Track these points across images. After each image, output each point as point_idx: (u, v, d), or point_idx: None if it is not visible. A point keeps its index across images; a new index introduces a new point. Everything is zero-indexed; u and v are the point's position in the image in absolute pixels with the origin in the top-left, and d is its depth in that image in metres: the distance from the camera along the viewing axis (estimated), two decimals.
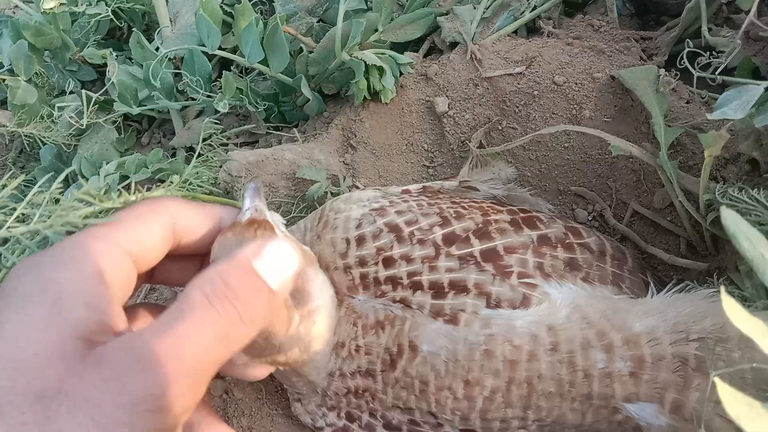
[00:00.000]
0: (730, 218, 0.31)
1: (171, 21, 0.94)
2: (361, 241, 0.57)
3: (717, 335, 0.49)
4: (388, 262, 0.56)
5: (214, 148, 0.82)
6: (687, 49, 0.68)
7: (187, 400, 0.37)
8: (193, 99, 0.87)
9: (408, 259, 0.56)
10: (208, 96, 0.84)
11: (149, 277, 0.51)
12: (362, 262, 0.56)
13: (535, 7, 0.81)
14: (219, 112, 0.90)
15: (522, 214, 0.60)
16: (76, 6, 0.90)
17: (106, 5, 0.91)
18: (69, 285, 0.38)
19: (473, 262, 0.55)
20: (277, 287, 0.43)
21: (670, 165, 0.63)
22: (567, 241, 0.58)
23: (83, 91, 0.90)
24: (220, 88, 0.83)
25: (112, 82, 0.88)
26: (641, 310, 0.52)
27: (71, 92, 0.97)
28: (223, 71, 0.85)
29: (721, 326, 0.49)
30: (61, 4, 0.87)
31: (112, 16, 0.94)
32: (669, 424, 0.50)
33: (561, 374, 0.51)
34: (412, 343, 0.53)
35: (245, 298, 0.40)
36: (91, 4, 0.90)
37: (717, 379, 0.27)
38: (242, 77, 0.89)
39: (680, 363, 0.49)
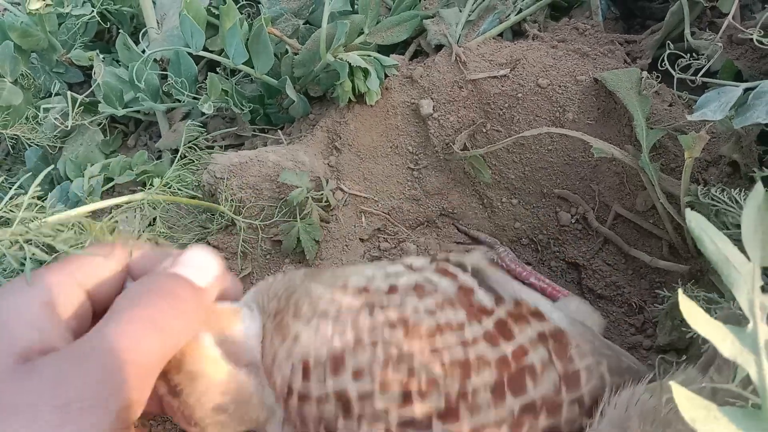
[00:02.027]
0: (695, 220, 0.31)
1: (158, 23, 0.94)
2: (304, 398, 0.46)
3: None
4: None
5: (199, 151, 0.82)
6: (668, 52, 0.68)
7: (128, 393, 0.37)
8: (178, 101, 0.86)
9: None
10: (194, 98, 0.84)
11: None
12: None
13: (520, 10, 0.81)
14: (205, 114, 0.90)
15: (511, 368, 0.47)
16: (63, 7, 0.90)
17: (92, 6, 0.91)
18: (15, 309, 0.39)
19: None
20: (204, 285, 0.44)
21: (651, 167, 0.63)
22: (556, 400, 0.47)
23: (69, 92, 0.89)
24: (206, 89, 0.83)
25: (98, 84, 0.88)
26: None
27: (57, 94, 0.96)
28: (209, 73, 0.85)
29: None
30: (47, 5, 0.87)
31: (98, 18, 0.94)
32: None
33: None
34: None
35: (172, 292, 0.42)
36: (77, 5, 0.90)
37: (673, 383, 0.26)
38: (228, 79, 0.89)
39: None
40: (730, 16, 0.60)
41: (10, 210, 0.49)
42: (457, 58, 0.76)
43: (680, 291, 0.29)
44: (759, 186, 0.31)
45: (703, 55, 0.69)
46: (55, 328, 0.40)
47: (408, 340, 0.47)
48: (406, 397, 0.45)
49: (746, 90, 0.59)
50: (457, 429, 0.45)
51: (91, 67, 0.96)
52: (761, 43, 0.60)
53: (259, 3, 0.92)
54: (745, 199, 0.54)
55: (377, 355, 0.46)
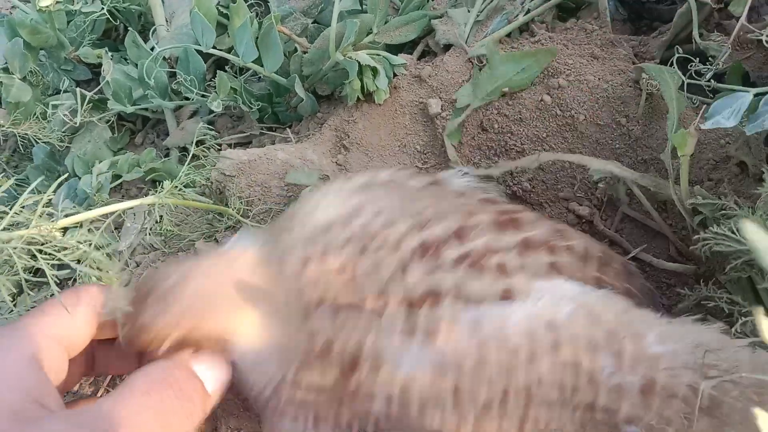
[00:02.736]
0: (751, 231, 0.30)
1: (167, 21, 0.94)
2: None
3: (731, 376, 0.44)
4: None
5: (207, 150, 0.82)
6: (677, 55, 0.68)
7: None
8: (187, 99, 0.87)
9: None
10: (202, 95, 0.84)
11: (90, 369, 0.52)
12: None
13: (528, 11, 0.81)
14: (213, 112, 0.90)
15: (504, 216, 0.53)
16: (72, 4, 0.90)
17: (102, 4, 0.92)
18: (2, 367, 0.39)
19: (448, 266, 0.48)
20: (211, 391, 0.45)
21: (672, 163, 0.63)
22: (551, 243, 0.52)
23: (78, 89, 0.90)
24: (215, 87, 0.83)
25: (107, 81, 0.88)
26: (661, 330, 0.47)
27: (65, 91, 0.97)
28: (218, 71, 0.85)
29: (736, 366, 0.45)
30: (57, 2, 0.87)
31: (108, 16, 0.94)
32: None
33: (564, 379, 0.46)
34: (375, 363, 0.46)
35: (186, 392, 0.42)
36: (87, 3, 0.91)
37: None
38: (236, 77, 0.89)
39: (689, 401, 0.45)
40: (743, 18, 0.60)
41: (19, 212, 0.49)
42: (472, 59, 0.77)
43: (759, 311, 0.28)
44: None
45: (713, 57, 0.69)
46: (45, 387, 0.40)
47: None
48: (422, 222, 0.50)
49: (756, 95, 0.59)
50: (469, 247, 0.48)
51: (99, 65, 0.96)
52: None
53: (268, 2, 0.93)
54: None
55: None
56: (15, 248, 0.46)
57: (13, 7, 1.04)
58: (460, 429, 0.46)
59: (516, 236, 0.51)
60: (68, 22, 0.94)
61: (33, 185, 0.50)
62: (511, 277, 0.48)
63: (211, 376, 0.46)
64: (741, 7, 0.63)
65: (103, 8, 0.91)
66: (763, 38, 0.61)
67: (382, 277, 0.47)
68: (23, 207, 0.49)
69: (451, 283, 0.47)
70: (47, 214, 0.50)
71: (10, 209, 0.47)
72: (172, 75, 0.88)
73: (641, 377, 0.45)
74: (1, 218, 0.45)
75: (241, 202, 0.75)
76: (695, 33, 0.72)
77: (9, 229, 0.47)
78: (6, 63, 0.92)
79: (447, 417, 0.46)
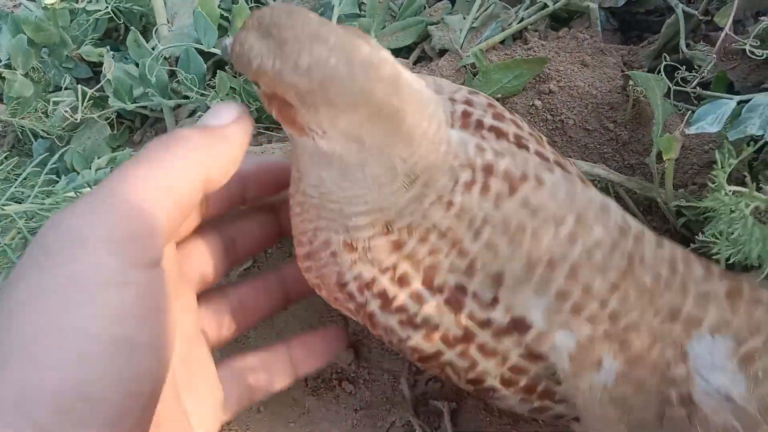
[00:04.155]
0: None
1: (168, 21, 0.96)
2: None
3: None
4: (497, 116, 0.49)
5: None
6: (665, 63, 0.71)
7: (165, 221, 0.39)
8: (186, 98, 0.88)
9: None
10: (202, 95, 0.86)
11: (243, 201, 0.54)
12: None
13: (522, 19, 0.84)
14: None
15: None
16: (76, 2, 0.92)
17: (106, 2, 0.94)
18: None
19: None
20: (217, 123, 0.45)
21: (657, 168, 0.65)
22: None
23: (78, 86, 0.91)
24: (214, 87, 0.85)
25: (108, 79, 0.90)
26: None
27: (66, 88, 0.98)
28: (218, 71, 0.87)
29: None
30: (61, 0, 0.89)
31: (112, 14, 0.96)
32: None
33: (661, 269, 0.45)
34: (538, 177, 0.45)
35: (183, 136, 0.42)
36: (91, 2, 0.92)
37: None
38: (236, 77, 0.91)
39: None
40: (727, 28, 0.63)
41: (22, 191, 0.51)
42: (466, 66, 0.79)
43: None
44: None
45: (698, 66, 0.71)
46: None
47: None
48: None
49: (740, 102, 0.62)
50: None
51: (100, 63, 0.98)
52: (753, 54, 0.63)
53: (267, 4, 0.95)
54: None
55: None
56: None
57: (16, 5, 1.06)
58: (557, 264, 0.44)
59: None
60: (71, 21, 0.96)
61: (36, 160, 0.51)
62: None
63: (209, 116, 0.45)
64: (726, 19, 0.66)
65: (107, 7, 0.93)
66: (747, 48, 0.64)
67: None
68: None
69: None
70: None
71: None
72: (172, 74, 0.90)
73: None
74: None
75: None
76: (682, 43, 0.75)
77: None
78: (9, 59, 0.94)
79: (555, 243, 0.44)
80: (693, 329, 0.45)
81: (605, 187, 0.71)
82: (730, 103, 0.62)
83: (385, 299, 0.46)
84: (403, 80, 0.42)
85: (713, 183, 0.49)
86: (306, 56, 0.40)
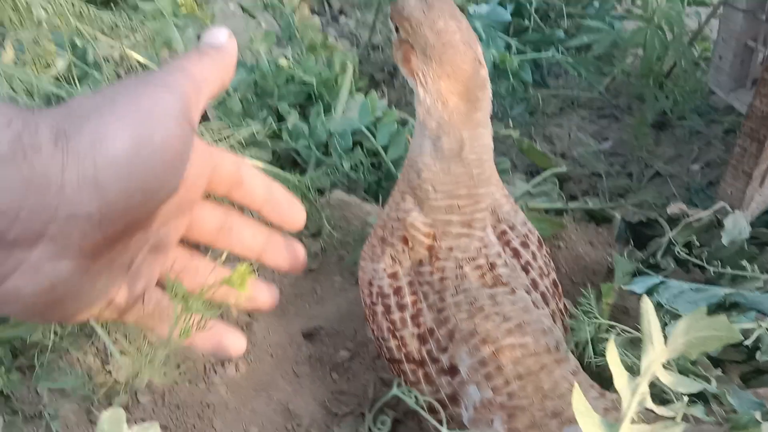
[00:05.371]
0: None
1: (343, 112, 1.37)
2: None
3: None
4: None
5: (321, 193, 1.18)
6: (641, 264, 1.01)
7: (203, 103, 0.50)
8: (328, 155, 1.26)
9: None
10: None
11: None
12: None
13: (567, 204, 1.17)
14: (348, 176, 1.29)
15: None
16: (296, 71, 1.36)
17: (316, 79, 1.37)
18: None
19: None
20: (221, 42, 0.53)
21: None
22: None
23: (269, 118, 1.32)
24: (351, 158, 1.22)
25: (287, 126, 1.30)
26: None
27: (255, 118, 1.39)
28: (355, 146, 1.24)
29: None
30: (289, 66, 1.32)
31: (314, 87, 1.38)
32: None
33: (562, 384, 0.61)
34: (515, 288, 0.67)
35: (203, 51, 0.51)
36: (305, 72, 1.36)
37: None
38: (367, 157, 1.27)
39: None
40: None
41: None
42: None
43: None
44: None
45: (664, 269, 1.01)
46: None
47: None
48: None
49: (661, 282, 0.89)
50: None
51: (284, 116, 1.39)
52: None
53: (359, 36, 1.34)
54: None
55: None
56: None
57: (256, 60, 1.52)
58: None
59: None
60: (286, 81, 1.39)
61: None
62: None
63: (210, 36, 0.53)
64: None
65: (312, 80, 1.34)
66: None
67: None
68: None
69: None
70: None
71: None
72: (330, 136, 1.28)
73: None
74: None
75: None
76: (659, 257, 1.06)
77: None
78: (235, 88, 1.36)
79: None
80: (566, 426, 0.58)
81: None
82: (655, 278, 0.89)
83: (387, 308, 0.68)
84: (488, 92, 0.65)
85: None
86: (442, 22, 0.58)
